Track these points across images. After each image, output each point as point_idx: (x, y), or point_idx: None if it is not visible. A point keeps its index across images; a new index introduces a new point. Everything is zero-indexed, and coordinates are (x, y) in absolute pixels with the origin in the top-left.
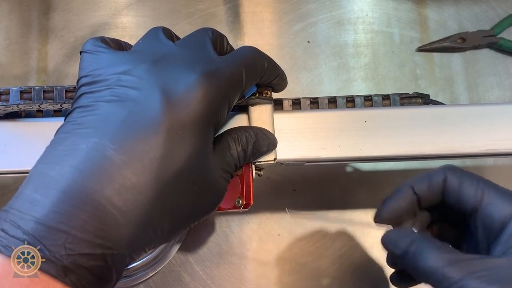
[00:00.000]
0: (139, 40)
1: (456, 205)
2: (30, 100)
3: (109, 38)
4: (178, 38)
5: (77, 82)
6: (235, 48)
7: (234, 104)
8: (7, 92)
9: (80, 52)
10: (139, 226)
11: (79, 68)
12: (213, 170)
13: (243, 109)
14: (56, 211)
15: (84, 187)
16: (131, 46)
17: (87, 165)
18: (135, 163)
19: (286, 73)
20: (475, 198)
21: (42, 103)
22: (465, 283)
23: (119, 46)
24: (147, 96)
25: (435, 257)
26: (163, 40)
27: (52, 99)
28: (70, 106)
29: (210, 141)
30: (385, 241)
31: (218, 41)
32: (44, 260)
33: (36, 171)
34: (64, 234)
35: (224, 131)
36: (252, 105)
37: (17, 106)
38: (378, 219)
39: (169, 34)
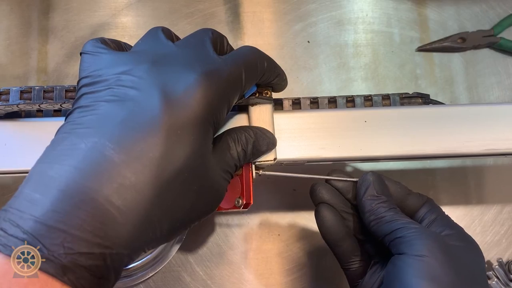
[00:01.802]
0: (139, 41)
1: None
2: (30, 100)
3: (109, 39)
4: (178, 38)
5: (78, 83)
6: (235, 48)
7: (233, 104)
8: (7, 92)
9: (80, 53)
10: (138, 226)
11: (79, 69)
12: (212, 170)
13: (243, 109)
14: (55, 210)
15: (83, 187)
16: (131, 46)
17: (86, 165)
18: (134, 162)
19: (286, 73)
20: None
21: (42, 103)
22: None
23: (119, 46)
24: (147, 96)
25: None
26: (163, 40)
27: (52, 99)
28: (70, 106)
29: (210, 141)
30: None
31: (218, 42)
32: (43, 259)
33: (35, 171)
34: (62, 233)
35: (224, 131)
36: (252, 105)
37: (17, 106)
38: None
39: (169, 34)
